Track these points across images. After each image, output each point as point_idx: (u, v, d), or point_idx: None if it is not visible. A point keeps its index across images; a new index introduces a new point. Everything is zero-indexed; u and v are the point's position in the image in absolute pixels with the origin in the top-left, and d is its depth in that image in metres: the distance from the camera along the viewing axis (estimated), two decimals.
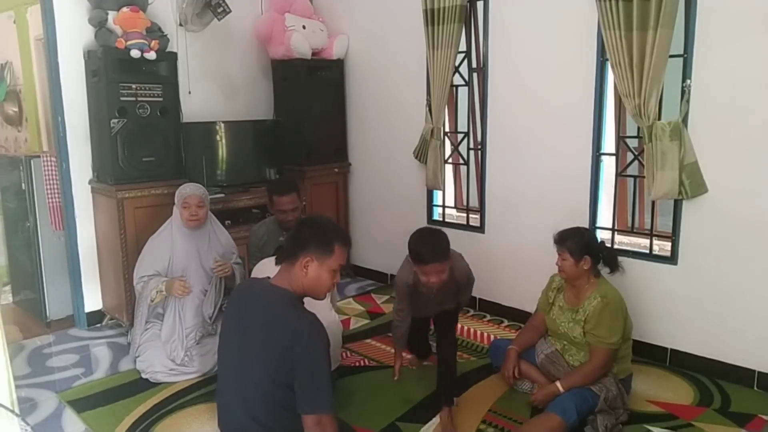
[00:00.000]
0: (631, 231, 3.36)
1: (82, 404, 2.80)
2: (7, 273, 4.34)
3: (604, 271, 2.70)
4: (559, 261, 2.64)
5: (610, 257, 2.69)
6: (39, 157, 3.75)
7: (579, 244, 2.59)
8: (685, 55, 2.88)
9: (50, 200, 3.69)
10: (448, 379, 2.68)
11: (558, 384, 2.57)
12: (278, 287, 1.89)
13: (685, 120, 2.89)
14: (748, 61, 2.72)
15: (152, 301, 3.07)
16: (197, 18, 3.90)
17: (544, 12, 3.39)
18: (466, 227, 3.96)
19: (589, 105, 3.25)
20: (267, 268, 2.68)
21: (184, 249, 3.12)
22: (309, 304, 1.96)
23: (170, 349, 3.05)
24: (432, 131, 3.91)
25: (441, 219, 4.18)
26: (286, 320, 1.83)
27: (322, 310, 2.38)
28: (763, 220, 2.76)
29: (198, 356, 3.06)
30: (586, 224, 3.31)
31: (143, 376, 3.03)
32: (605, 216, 3.36)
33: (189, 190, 3.11)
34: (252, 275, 2.94)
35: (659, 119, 2.95)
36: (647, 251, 3.19)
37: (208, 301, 3.16)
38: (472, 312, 3.89)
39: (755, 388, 2.86)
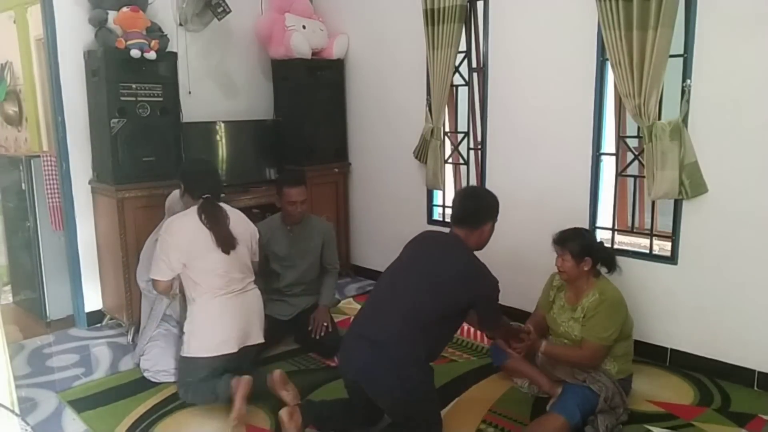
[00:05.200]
0: (631, 231, 3.36)
1: (82, 404, 2.80)
2: (7, 273, 4.34)
3: (602, 270, 2.71)
4: (559, 261, 2.64)
5: (608, 258, 2.70)
6: (39, 157, 3.75)
7: (580, 246, 2.59)
8: (685, 55, 2.88)
9: (50, 200, 3.69)
10: None
11: (543, 343, 2.63)
12: (464, 242, 2.41)
13: (685, 120, 2.89)
14: (748, 61, 2.72)
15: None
16: (197, 18, 3.90)
17: (544, 12, 3.39)
18: None
19: (589, 105, 3.25)
20: (181, 224, 2.77)
21: None
22: None
23: None
24: (432, 131, 3.91)
25: (441, 219, 4.18)
26: (474, 268, 2.37)
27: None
28: (763, 219, 2.76)
29: None
30: (586, 224, 3.31)
31: (146, 374, 3.03)
32: (605, 216, 3.36)
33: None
34: (167, 228, 2.82)
35: (659, 119, 2.95)
36: (647, 251, 3.19)
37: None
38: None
39: (755, 388, 2.86)
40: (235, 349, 2.76)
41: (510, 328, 2.62)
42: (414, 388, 2.26)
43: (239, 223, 2.94)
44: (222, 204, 2.91)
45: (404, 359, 2.24)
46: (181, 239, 2.74)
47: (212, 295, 2.74)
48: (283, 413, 2.40)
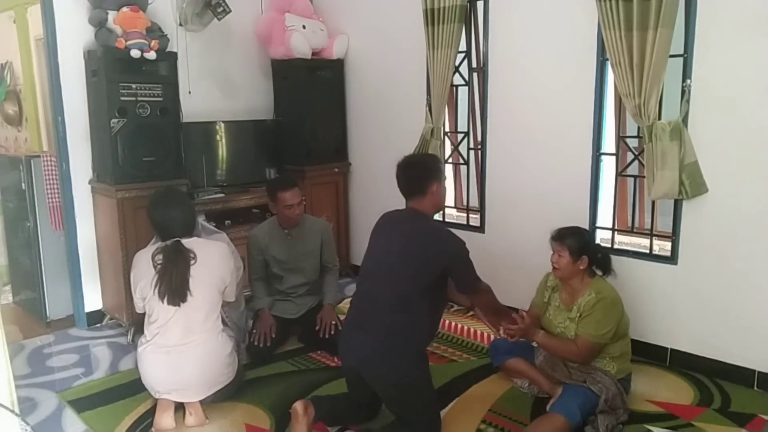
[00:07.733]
0: (631, 231, 3.36)
1: (82, 404, 2.81)
2: (7, 273, 4.34)
3: (597, 273, 2.69)
4: (554, 258, 2.63)
5: (604, 260, 2.69)
6: (39, 157, 3.75)
7: (579, 243, 2.59)
8: (685, 55, 2.88)
9: (50, 200, 3.69)
10: None
11: (541, 333, 2.64)
12: (420, 212, 2.48)
13: (685, 120, 2.89)
14: (748, 61, 2.72)
15: None
16: (197, 18, 3.90)
17: (544, 12, 3.39)
18: (466, 227, 3.96)
19: (589, 105, 3.25)
20: (137, 260, 2.76)
21: None
22: None
23: None
24: (432, 131, 3.91)
25: (441, 219, 4.18)
26: (436, 231, 2.49)
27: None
28: (763, 219, 2.76)
29: None
30: (586, 224, 3.31)
31: None
32: (605, 216, 3.37)
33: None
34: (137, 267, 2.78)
35: (659, 119, 2.95)
36: (647, 251, 3.19)
37: None
38: (471, 311, 3.88)
39: (755, 388, 2.86)
40: (164, 397, 2.61)
41: (500, 306, 2.68)
42: (408, 374, 2.35)
43: (210, 263, 2.66)
44: (196, 239, 2.72)
45: (396, 344, 2.35)
46: (135, 276, 2.69)
47: (147, 342, 2.65)
48: (298, 406, 2.41)
